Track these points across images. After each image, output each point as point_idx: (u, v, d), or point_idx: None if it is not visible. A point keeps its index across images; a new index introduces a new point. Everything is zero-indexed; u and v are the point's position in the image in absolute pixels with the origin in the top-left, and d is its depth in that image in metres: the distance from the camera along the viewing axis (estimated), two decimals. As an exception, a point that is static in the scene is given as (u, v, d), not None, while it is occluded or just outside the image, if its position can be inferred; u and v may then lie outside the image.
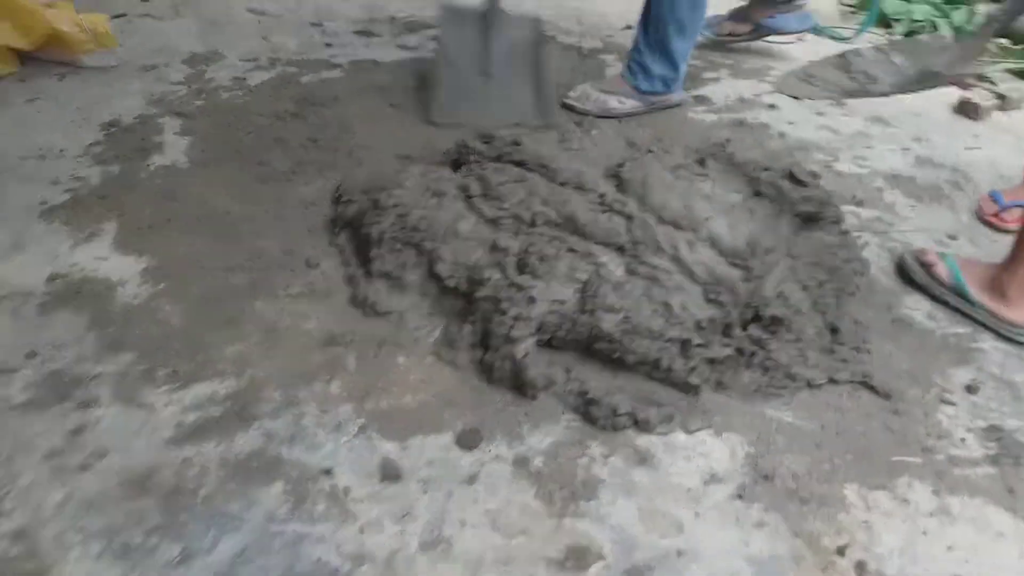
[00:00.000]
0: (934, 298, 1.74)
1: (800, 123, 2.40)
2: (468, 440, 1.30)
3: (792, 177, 1.89)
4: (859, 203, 2.05)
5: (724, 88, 2.63)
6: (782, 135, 2.36)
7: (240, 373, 1.40)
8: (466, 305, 1.51)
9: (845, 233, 1.87)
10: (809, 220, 1.83)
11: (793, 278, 1.60)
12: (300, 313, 1.55)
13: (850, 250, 1.82)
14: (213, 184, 1.92)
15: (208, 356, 1.43)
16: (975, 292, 1.68)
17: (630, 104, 2.35)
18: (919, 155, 2.33)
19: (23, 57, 2.37)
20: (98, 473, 1.21)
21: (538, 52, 2.41)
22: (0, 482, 1.18)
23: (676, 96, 2.40)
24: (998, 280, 1.66)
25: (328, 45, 2.72)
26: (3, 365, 1.37)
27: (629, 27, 3.05)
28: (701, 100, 2.54)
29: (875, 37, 3.16)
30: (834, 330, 1.56)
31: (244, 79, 2.43)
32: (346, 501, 1.19)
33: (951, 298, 1.71)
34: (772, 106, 2.53)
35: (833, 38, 3.14)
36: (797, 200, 1.80)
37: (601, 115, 2.33)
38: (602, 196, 1.59)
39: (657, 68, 2.30)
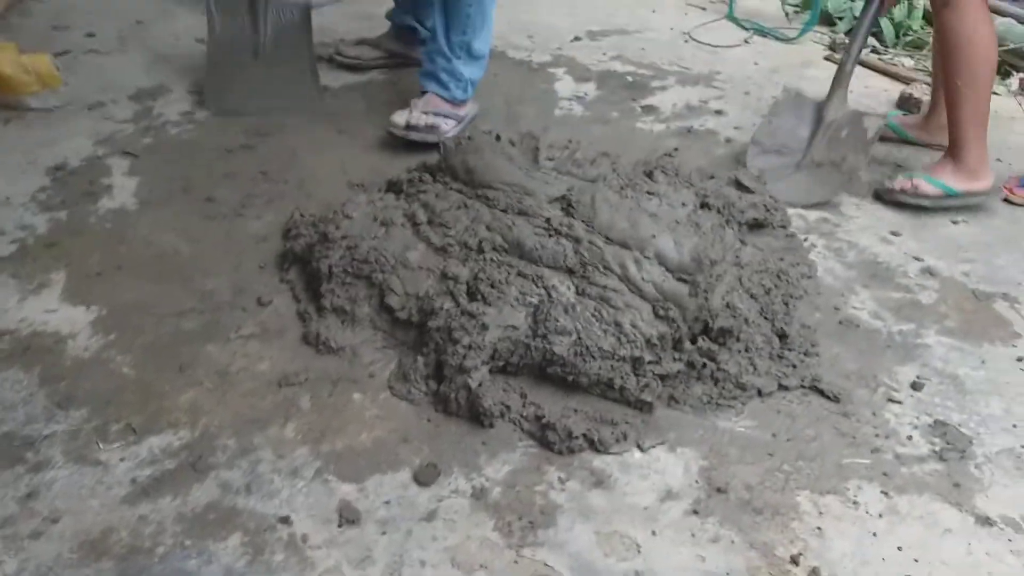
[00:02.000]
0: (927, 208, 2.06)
1: (746, 127, 2.43)
2: (426, 476, 1.31)
3: (738, 184, 1.93)
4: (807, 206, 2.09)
5: (671, 96, 2.66)
6: (728, 140, 2.39)
7: (194, 422, 1.40)
8: (419, 336, 1.52)
9: (792, 236, 1.91)
10: (757, 226, 1.87)
11: (741, 287, 1.63)
12: (253, 354, 1.55)
13: (797, 253, 1.86)
14: (162, 225, 1.91)
15: (161, 406, 1.43)
16: (957, 186, 2.03)
17: (452, 121, 2.28)
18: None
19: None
20: (52, 539, 1.19)
21: (303, 35, 2.48)
22: (-49, 555, 1.16)
23: (473, 109, 2.38)
24: (960, 165, 2.02)
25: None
26: (-49, 430, 1.35)
27: (579, 39, 3.08)
28: (649, 110, 2.56)
29: (820, 35, 3.21)
30: (783, 336, 1.59)
31: (192, 113, 2.41)
32: (304, 549, 1.19)
33: (945, 202, 2.05)
34: (719, 112, 2.56)
35: (778, 39, 3.18)
36: (744, 208, 1.84)
37: (437, 140, 2.18)
38: (547, 221, 1.61)
39: (467, 71, 2.25)
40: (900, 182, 2.09)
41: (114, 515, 1.23)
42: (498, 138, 1.95)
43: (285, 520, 1.23)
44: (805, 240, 1.92)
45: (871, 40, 3.16)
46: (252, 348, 1.56)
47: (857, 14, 3.24)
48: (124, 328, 1.60)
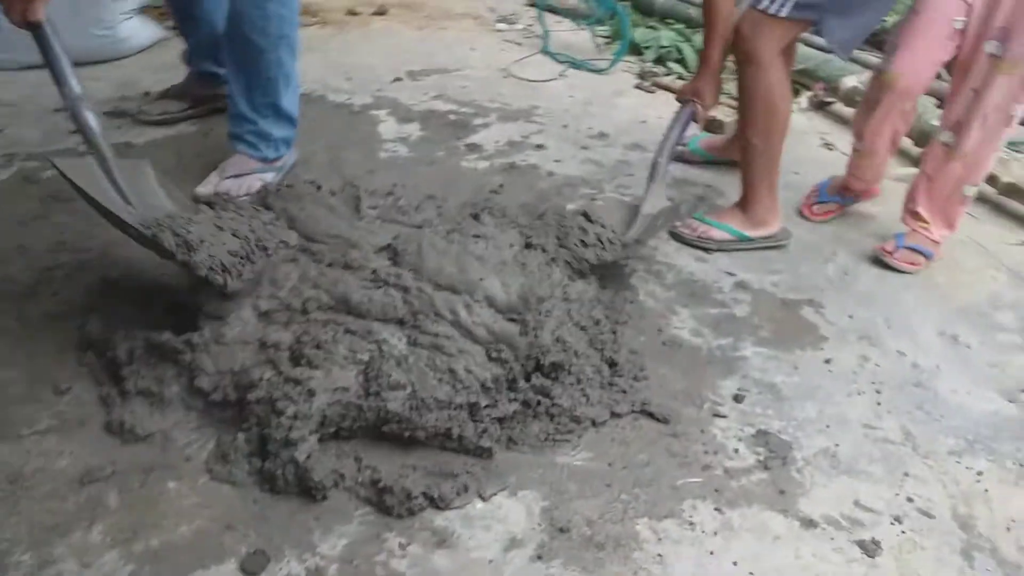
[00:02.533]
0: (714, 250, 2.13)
1: (566, 160, 2.51)
2: (254, 565, 1.21)
3: (587, 216, 1.91)
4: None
5: (494, 133, 2.70)
6: (551, 174, 2.45)
7: (-19, 540, 1.23)
8: (238, 412, 1.42)
9: (615, 264, 1.97)
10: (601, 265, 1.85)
11: (570, 321, 1.65)
12: (50, 451, 1.39)
13: (620, 280, 1.92)
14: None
15: (-58, 526, 1.25)
16: (747, 232, 2.13)
17: (271, 173, 2.19)
18: (676, 176, 2.51)
19: None
20: None
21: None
22: None
23: (292, 156, 2.30)
24: (749, 215, 2.13)
25: (74, 132, 2.50)
26: None
27: (399, 79, 3.07)
28: (473, 148, 2.58)
29: (630, 64, 3.39)
30: (612, 364, 1.62)
31: (-25, 183, 2.17)
32: (116, 668, 1.07)
33: (733, 245, 2.13)
34: (540, 146, 2.62)
35: (591, 70, 3.32)
36: (583, 250, 1.80)
37: (255, 201, 2.03)
38: (374, 272, 1.56)
39: (276, 131, 2.18)
40: (689, 224, 2.15)
41: None
42: (319, 188, 1.89)
43: (92, 641, 1.10)
44: (626, 266, 1.98)
45: (675, 65, 3.38)
46: (49, 444, 1.40)
47: (661, 44, 3.49)
48: None
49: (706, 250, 2.13)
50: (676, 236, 2.16)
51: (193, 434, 1.43)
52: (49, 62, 1.56)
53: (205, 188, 2.09)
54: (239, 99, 2.13)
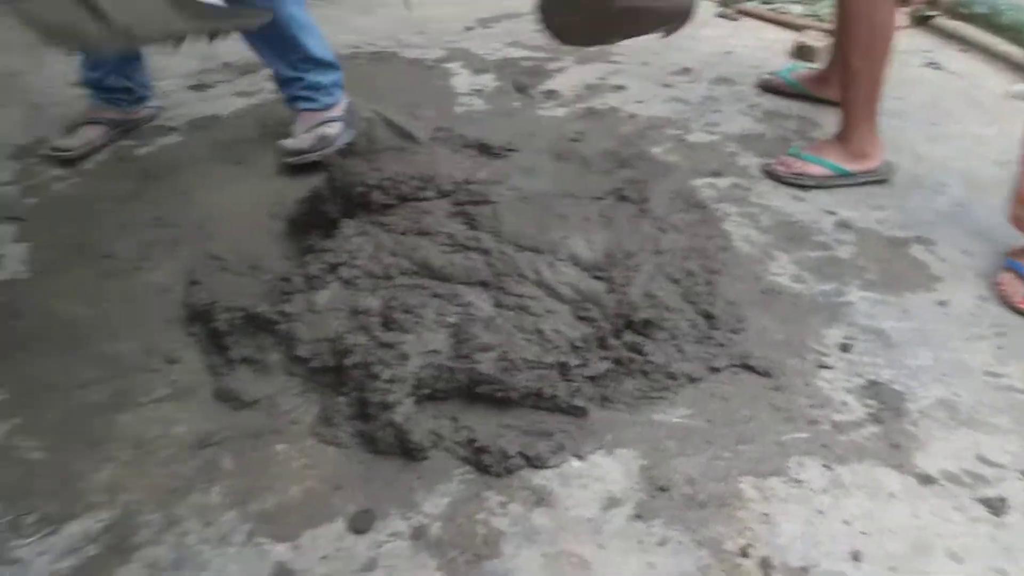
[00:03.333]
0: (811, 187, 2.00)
1: (648, 100, 2.42)
2: (361, 523, 1.25)
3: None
4: (716, 173, 2.08)
5: (570, 77, 2.62)
6: (632, 116, 2.36)
7: (113, 501, 1.32)
8: (338, 377, 1.45)
9: (703, 208, 1.89)
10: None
11: (661, 275, 1.60)
12: (167, 418, 1.46)
13: (711, 226, 1.85)
14: (59, 291, 1.79)
15: (77, 489, 1.34)
16: (847, 166, 1.98)
17: (337, 123, 2.23)
18: (767, 109, 2.38)
19: None
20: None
21: None
22: None
23: (350, 105, 2.30)
24: (848, 146, 1.98)
25: (159, 108, 2.58)
26: None
27: (470, 28, 3.01)
28: (550, 95, 2.52)
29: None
30: (708, 316, 1.57)
31: (76, 164, 2.27)
32: (241, 623, 1.14)
33: (832, 181, 1.99)
34: (619, 87, 2.53)
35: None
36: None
37: (333, 149, 2.14)
38: (451, 236, 1.55)
39: (323, 78, 2.22)
40: (783, 161, 2.04)
41: (35, 618, 1.15)
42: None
43: (218, 595, 1.17)
44: (717, 210, 1.90)
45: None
46: (166, 411, 1.48)
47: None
48: (28, 409, 1.49)
49: (803, 187, 2.01)
50: (771, 174, 2.05)
51: (297, 399, 1.47)
52: None
53: (292, 143, 2.17)
54: (276, 65, 2.20)
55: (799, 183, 2.01)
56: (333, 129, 2.20)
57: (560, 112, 2.42)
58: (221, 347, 1.54)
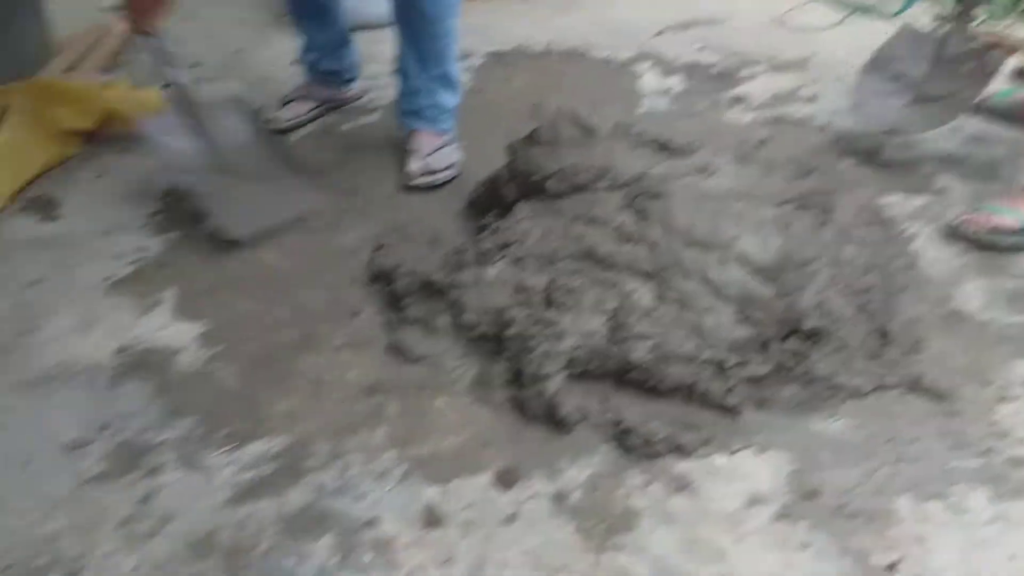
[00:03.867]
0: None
1: (843, 112, 2.32)
2: (506, 479, 1.32)
3: None
4: (909, 191, 1.96)
5: (761, 85, 2.57)
6: (822, 129, 2.28)
7: (290, 429, 1.47)
8: (497, 345, 1.53)
9: (890, 224, 1.81)
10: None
11: (836, 286, 1.55)
12: (344, 364, 1.61)
13: (896, 244, 1.76)
14: (263, 242, 2.01)
15: (261, 414, 1.51)
16: None
17: (456, 151, 2.19)
18: (974, 132, 2.22)
19: (86, 136, 2.53)
20: (166, 538, 1.29)
21: (267, 139, 2.24)
22: (81, 552, 1.27)
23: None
24: None
25: (365, 90, 2.79)
26: (81, 439, 1.48)
27: (662, 32, 3.02)
28: (738, 100, 2.48)
29: (926, 7, 3.01)
30: (883, 333, 1.50)
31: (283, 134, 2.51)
32: (391, 550, 1.24)
33: None
34: (812, 98, 2.45)
35: (879, 17, 3.00)
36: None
37: (456, 173, 2.16)
38: (619, 227, 1.59)
39: (450, 100, 2.16)
40: (969, 216, 1.79)
41: (219, 517, 1.32)
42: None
43: (374, 522, 1.28)
44: (905, 228, 1.80)
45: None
46: (343, 358, 1.63)
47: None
48: (228, 342, 1.69)
49: (999, 250, 1.75)
50: (959, 234, 1.79)
51: (459, 360, 1.57)
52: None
53: (414, 166, 2.15)
54: (415, 73, 2.12)
55: (992, 242, 1.76)
56: (454, 157, 2.18)
57: (747, 117, 2.39)
58: (397, 307, 1.68)
